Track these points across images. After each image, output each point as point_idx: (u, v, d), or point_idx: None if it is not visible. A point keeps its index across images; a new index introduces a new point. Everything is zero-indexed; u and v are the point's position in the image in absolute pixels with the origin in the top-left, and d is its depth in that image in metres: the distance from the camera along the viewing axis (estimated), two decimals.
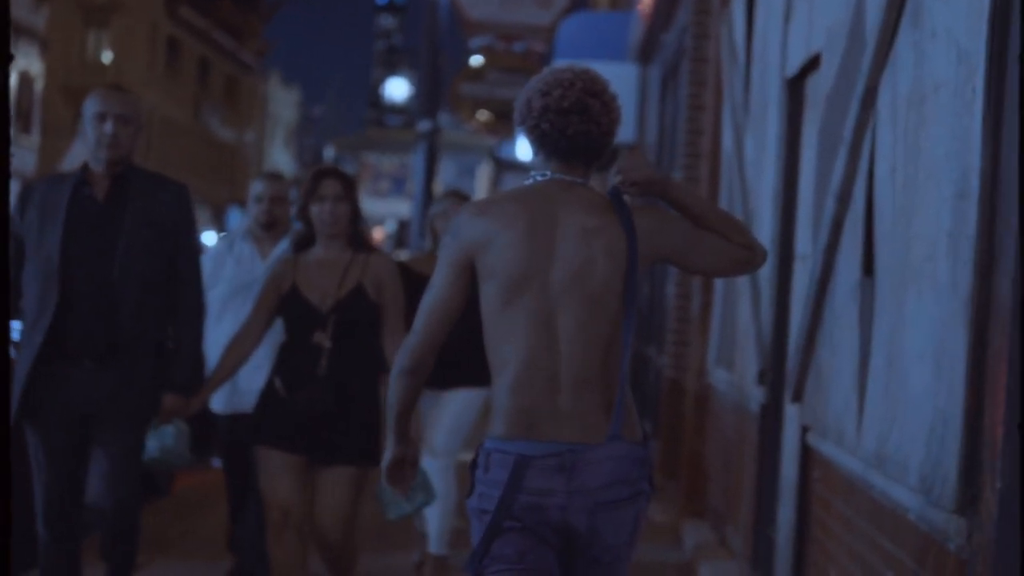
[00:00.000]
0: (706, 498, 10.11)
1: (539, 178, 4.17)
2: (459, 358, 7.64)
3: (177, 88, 59.38)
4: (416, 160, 19.49)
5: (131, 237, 6.17)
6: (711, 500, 9.87)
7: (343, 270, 6.49)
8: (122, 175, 6.29)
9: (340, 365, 6.35)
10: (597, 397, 4.00)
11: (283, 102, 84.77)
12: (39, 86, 47.47)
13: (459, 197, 8.31)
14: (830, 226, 6.19)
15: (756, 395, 8.11)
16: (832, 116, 6.42)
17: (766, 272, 8.06)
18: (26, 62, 45.77)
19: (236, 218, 63.23)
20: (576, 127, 4.11)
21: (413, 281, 7.80)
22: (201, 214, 61.45)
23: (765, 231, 8.16)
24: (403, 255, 8.59)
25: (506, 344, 4.04)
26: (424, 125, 19.26)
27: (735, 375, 8.93)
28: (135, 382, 6.17)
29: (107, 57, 54.46)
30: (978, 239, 4.28)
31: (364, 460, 6.40)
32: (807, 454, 6.77)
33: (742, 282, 8.76)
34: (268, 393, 6.45)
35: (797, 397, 6.83)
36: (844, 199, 6.05)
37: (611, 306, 4.04)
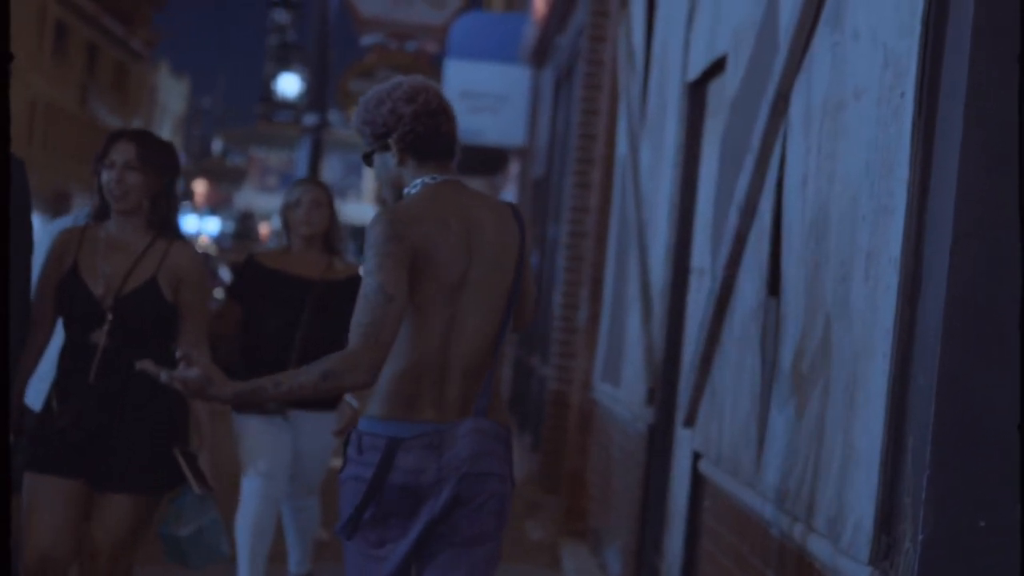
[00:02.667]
0: (587, 518, 9.68)
1: (429, 182, 4.26)
2: None
3: (64, 73, 58.22)
4: (300, 155, 18.94)
5: None
6: (592, 521, 9.45)
7: (135, 257, 5.36)
8: None
9: (118, 372, 5.24)
10: (478, 386, 4.17)
11: (172, 92, 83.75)
12: None
13: (314, 184, 7.37)
14: (732, 240, 5.77)
15: (644, 415, 7.69)
16: (738, 123, 6.02)
17: (658, 285, 7.66)
18: None
19: None
20: (446, 126, 4.29)
21: (262, 276, 7.05)
22: (84, 200, 60.31)
23: (659, 242, 7.76)
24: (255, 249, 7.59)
25: (410, 337, 4.12)
26: (310, 119, 18.72)
27: (622, 392, 8.52)
28: None
29: None
30: (903, 260, 3.86)
31: (147, 488, 5.29)
32: (698, 482, 6.34)
33: (632, 294, 8.36)
34: (44, 407, 5.34)
35: (689, 421, 6.40)
36: (748, 212, 5.64)
37: (504, 300, 4.24)
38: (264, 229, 65.62)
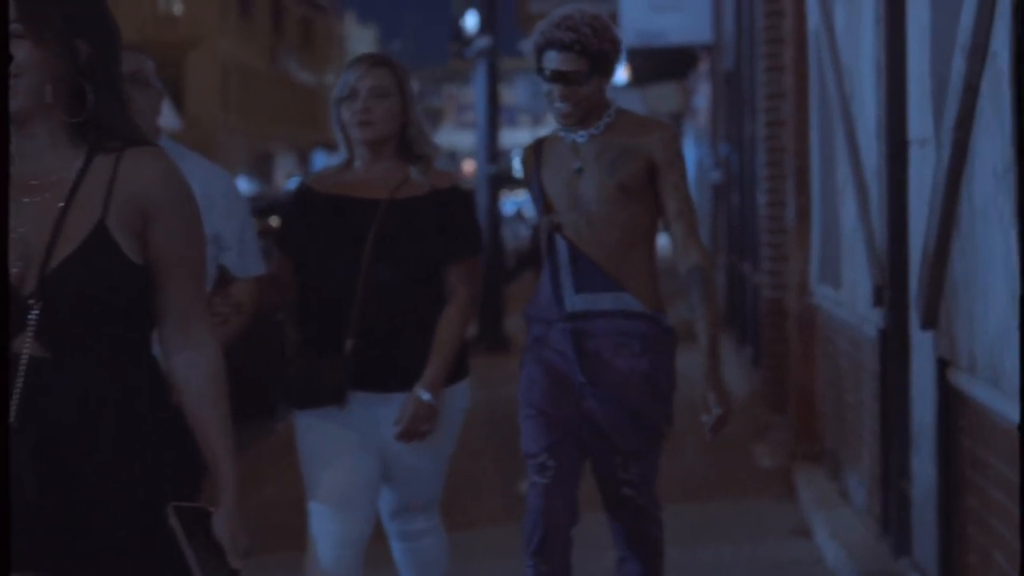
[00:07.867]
0: (821, 439, 8.61)
1: (619, 107, 4.74)
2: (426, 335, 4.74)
3: (252, 36, 58.67)
4: (477, 83, 17.90)
5: None
6: (827, 442, 8.38)
7: (65, 193, 2.97)
8: None
9: (62, 400, 2.95)
10: None
11: (361, 41, 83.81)
12: None
13: (373, 63, 4.78)
14: (960, 94, 4.68)
15: (873, 318, 6.60)
16: None
17: (872, 164, 6.57)
18: None
19: (322, 160, 62.44)
20: None
21: (317, 208, 4.84)
22: (286, 159, 60.66)
23: (868, 114, 6.67)
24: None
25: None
26: (481, 43, 17.67)
27: (844, 293, 7.44)
28: None
29: (178, 9, 53.66)
30: None
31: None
32: (948, 395, 5.24)
33: (843, 180, 7.28)
34: None
35: (929, 322, 5.30)
36: (978, 54, 4.53)
37: None
38: (468, 167, 65.25)
